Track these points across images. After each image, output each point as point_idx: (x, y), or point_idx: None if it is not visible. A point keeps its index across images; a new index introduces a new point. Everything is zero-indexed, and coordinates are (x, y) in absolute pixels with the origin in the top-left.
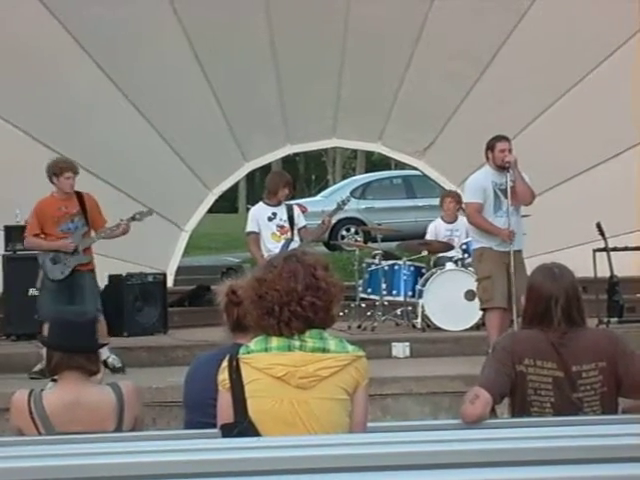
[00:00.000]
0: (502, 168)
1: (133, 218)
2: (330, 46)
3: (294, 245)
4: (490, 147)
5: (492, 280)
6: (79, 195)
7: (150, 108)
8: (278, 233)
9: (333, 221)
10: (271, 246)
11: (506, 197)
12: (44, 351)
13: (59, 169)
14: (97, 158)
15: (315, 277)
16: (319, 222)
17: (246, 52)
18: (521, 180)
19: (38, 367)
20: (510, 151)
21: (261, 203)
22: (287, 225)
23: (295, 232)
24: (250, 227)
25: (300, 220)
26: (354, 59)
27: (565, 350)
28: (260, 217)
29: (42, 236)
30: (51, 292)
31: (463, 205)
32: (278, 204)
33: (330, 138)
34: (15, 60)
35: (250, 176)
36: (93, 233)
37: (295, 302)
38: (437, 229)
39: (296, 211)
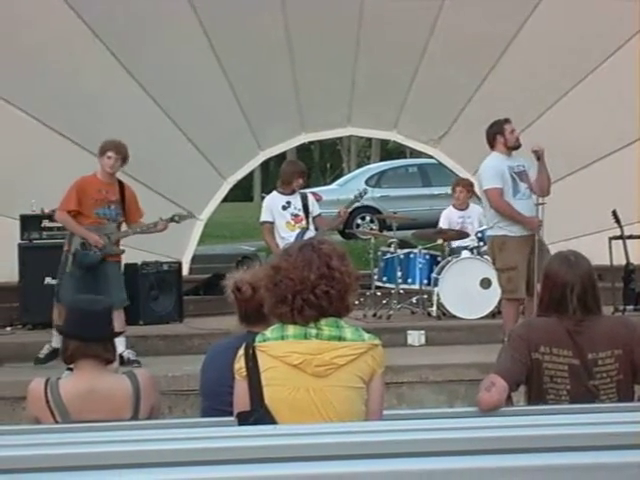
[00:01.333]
0: (514, 149)
1: (172, 219)
2: (345, 34)
3: (309, 234)
4: (499, 132)
5: (518, 271)
6: (121, 184)
7: (165, 97)
8: (292, 222)
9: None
10: (285, 235)
11: (522, 180)
12: (55, 334)
13: (102, 148)
14: None
15: (329, 267)
16: (334, 211)
17: (261, 41)
18: (546, 172)
19: (45, 349)
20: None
21: (275, 192)
22: (302, 214)
23: (310, 221)
24: (264, 217)
25: (315, 208)
26: (369, 47)
27: (581, 338)
28: (274, 206)
29: (73, 214)
30: (77, 279)
31: (479, 191)
32: (292, 193)
33: (345, 127)
34: (30, 50)
35: (265, 165)
36: (125, 226)
37: (308, 291)
38: (449, 217)
39: (310, 199)
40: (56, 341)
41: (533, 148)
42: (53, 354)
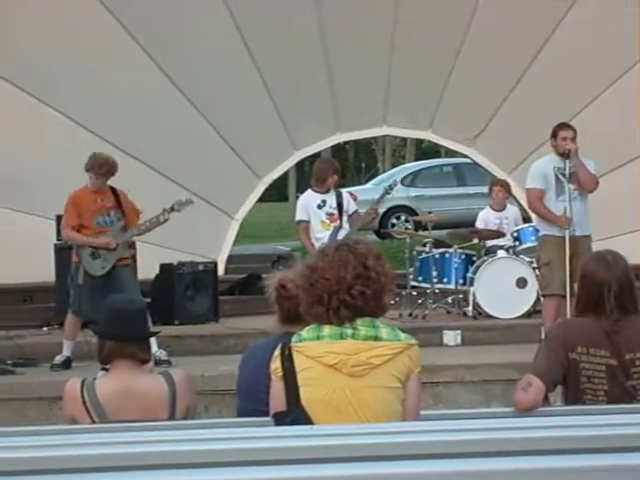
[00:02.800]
0: (563, 155)
1: (172, 209)
2: (380, 33)
3: (343, 233)
4: (553, 135)
5: (550, 267)
6: (113, 189)
7: (200, 97)
8: (327, 221)
9: (381, 210)
10: (319, 235)
11: (569, 182)
12: (67, 343)
13: (85, 166)
14: (147, 147)
15: (365, 266)
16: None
17: (296, 41)
18: (582, 168)
19: (58, 358)
20: (573, 139)
21: (310, 191)
22: (336, 213)
23: (344, 219)
24: (300, 216)
25: (350, 206)
26: (404, 47)
27: (618, 338)
28: (309, 205)
29: (76, 229)
30: (91, 289)
31: (525, 190)
32: (327, 191)
33: (380, 126)
34: (65, 50)
35: (300, 165)
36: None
37: (344, 291)
38: (486, 218)
39: (345, 198)
40: (67, 349)
41: (565, 147)
42: (68, 362)
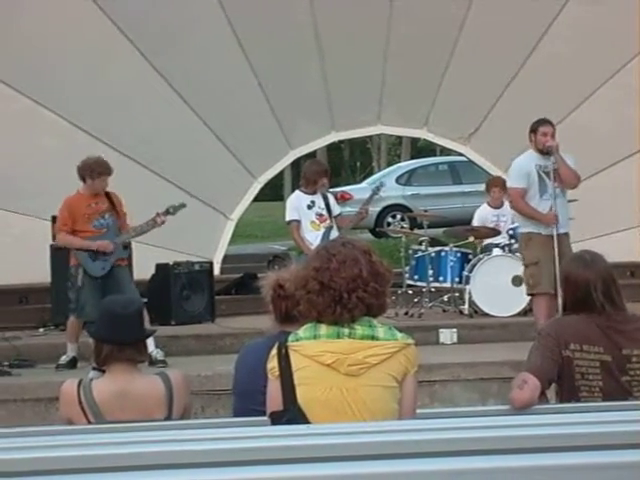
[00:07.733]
0: (543, 152)
1: (167, 212)
2: (375, 32)
3: (334, 233)
4: (533, 130)
5: (539, 266)
6: (106, 192)
7: (194, 96)
8: (317, 222)
9: (374, 208)
10: (309, 235)
11: (551, 180)
12: (71, 346)
13: (97, 173)
14: (142, 147)
15: (373, 262)
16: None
17: (290, 39)
18: (564, 164)
19: (64, 359)
20: (553, 135)
21: (298, 192)
22: (326, 214)
23: (333, 220)
24: (291, 215)
25: (335, 208)
26: (399, 45)
27: (613, 333)
28: (299, 205)
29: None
30: (92, 290)
31: (507, 189)
32: (314, 193)
33: (375, 125)
34: (62, 53)
35: (295, 164)
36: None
37: (361, 289)
38: (484, 215)
39: (331, 199)
40: (72, 350)
41: (545, 143)
42: (73, 361)
